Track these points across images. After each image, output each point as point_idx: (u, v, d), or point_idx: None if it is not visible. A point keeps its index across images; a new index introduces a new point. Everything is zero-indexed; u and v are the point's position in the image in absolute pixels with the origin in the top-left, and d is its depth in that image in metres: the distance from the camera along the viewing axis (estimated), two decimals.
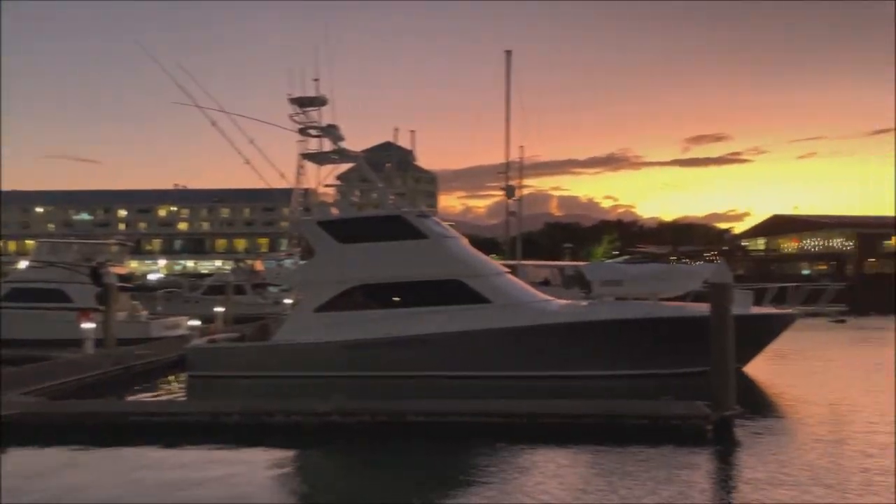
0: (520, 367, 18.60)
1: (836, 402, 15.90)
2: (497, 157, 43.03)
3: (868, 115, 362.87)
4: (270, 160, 21.89)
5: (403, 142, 65.69)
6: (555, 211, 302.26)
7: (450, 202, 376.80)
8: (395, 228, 20.05)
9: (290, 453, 12.16)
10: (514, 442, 12.17)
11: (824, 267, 74.83)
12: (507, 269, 22.05)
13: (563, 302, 20.87)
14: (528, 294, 20.53)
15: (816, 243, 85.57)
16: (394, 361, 18.70)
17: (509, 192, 42.92)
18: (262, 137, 21.93)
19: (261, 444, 12.32)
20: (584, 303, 20.47)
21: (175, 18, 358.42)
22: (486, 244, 67.37)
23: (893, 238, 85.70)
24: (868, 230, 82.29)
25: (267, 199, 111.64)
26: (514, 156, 44.33)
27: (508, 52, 42.18)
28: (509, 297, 19.66)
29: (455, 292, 19.28)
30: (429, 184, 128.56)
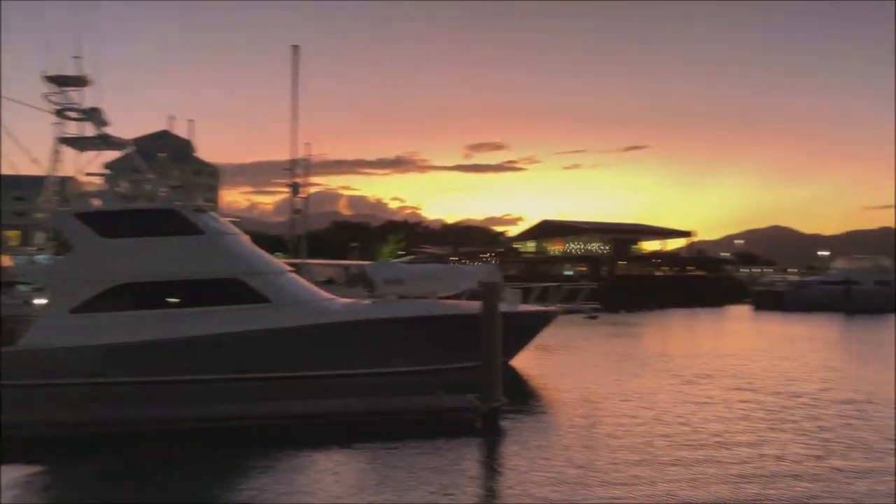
0: (302, 367, 18.31)
1: (589, 390, 17.60)
2: (285, 154, 42.03)
3: (623, 132, 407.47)
4: (20, 143, 19.47)
5: (181, 132, 61.29)
6: (343, 210, 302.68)
7: (234, 198, 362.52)
8: (168, 223, 18.79)
9: (31, 471, 10.88)
10: (291, 443, 12.01)
11: (584, 268, 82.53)
12: (290, 268, 21.62)
13: (345, 301, 20.92)
14: (310, 293, 20.29)
15: (578, 247, 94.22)
16: (163, 365, 17.51)
17: (295, 189, 42.15)
18: (9, 118, 19.47)
19: None
20: (367, 301, 20.69)
21: None
22: (272, 242, 65.65)
23: (640, 243, 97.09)
24: (620, 235, 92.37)
25: (16, 187, 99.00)
26: (302, 153, 43.65)
27: (296, 48, 41.34)
28: (290, 295, 19.30)
29: (233, 291, 18.52)
30: (210, 177, 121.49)
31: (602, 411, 15.12)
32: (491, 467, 11.12)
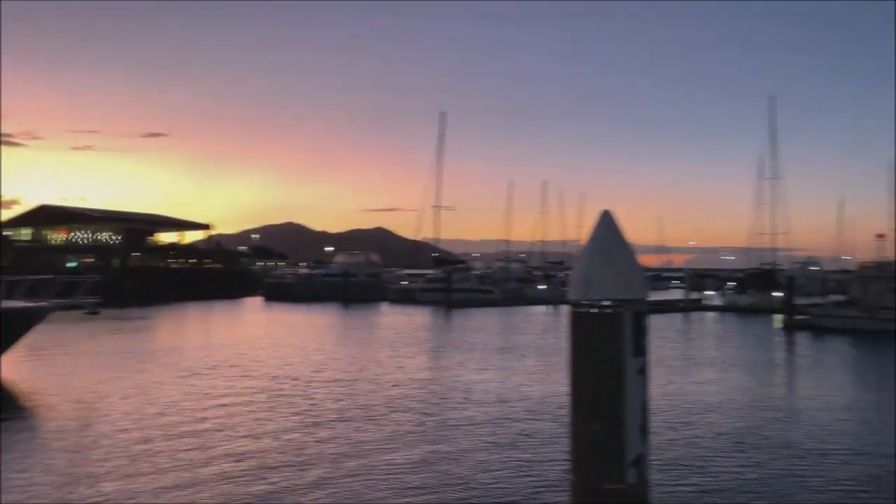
0: None
1: (85, 391, 16.20)
2: None
3: (141, 116, 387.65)
4: None
5: None
6: None
7: None
8: None
9: None
10: None
11: (92, 259, 75.79)
12: None
13: None
14: None
15: (85, 236, 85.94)
16: None
17: None
18: None
19: None
20: None
21: None
22: None
23: (156, 234, 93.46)
24: (135, 226, 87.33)
25: None
26: None
27: None
28: None
29: None
30: None
31: (98, 412, 14.07)
32: None
